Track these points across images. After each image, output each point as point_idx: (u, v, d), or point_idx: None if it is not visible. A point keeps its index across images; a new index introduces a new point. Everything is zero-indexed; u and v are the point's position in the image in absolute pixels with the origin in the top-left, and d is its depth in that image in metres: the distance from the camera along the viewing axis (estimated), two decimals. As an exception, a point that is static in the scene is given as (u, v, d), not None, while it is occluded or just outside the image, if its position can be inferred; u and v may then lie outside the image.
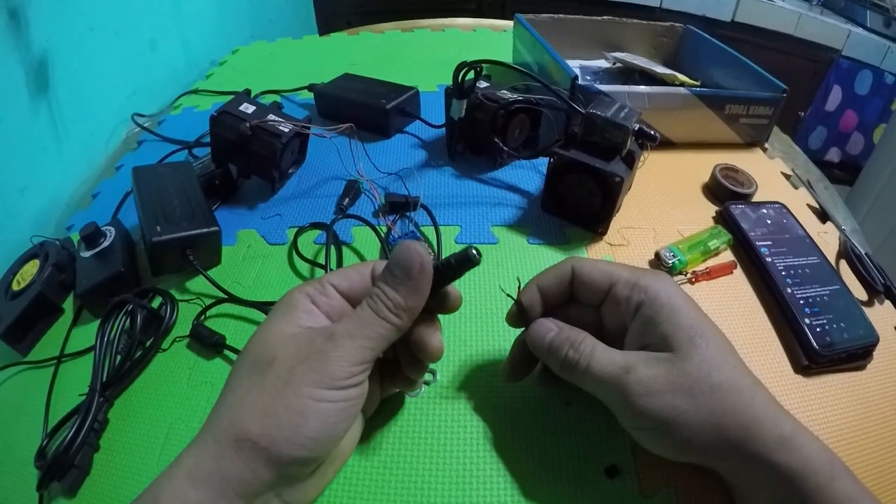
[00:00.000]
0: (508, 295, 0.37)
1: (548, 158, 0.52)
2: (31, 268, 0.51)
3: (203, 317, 0.47)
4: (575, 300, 0.37)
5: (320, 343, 0.30)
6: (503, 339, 0.44)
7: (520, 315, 0.37)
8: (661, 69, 0.77)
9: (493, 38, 1.06)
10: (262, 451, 0.27)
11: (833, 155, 1.90)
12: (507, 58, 0.88)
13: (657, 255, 0.50)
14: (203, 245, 0.50)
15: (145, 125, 0.79)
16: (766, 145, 0.70)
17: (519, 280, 0.37)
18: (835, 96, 1.85)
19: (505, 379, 0.39)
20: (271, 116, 0.58)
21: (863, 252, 0.53)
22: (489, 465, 0.36)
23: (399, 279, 0.31)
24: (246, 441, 0.27)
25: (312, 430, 0.28)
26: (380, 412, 0.39)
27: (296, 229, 0.56)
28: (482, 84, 0.62)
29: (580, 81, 0.61)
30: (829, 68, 1.81)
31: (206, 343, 0.44)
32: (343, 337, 0.30)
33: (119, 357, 0.42)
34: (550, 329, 0.35)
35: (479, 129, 0.60)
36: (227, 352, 0.44)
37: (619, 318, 0.35)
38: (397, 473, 0.36)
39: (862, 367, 0.43)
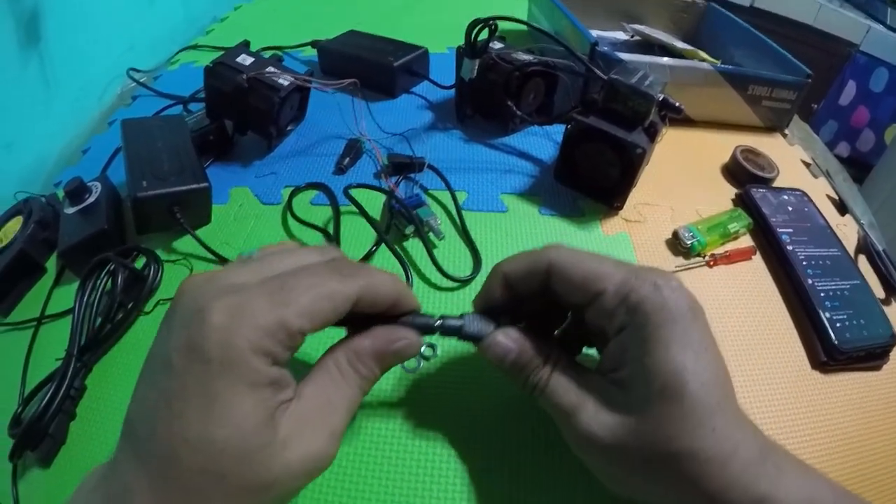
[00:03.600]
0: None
1: (563, 125, 0.49)
2: (15, 225, 0.48)
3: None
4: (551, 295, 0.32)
5: (326, 445, 0.25)
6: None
7: (468, 337, 0.32)
8: (681, 44, 0.73)
9: (509, 2, 1.02)
10: None
11: (842, 150, 1.88)
12: (523, 23, 0.84)
13: (675, 234, 0.48)
14: (191, 202, 0.47)
15: (141, 80, 0.76)
16: (787, 131, 0.68)
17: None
18: (849, 91, 1.82)
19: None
20: (270, 69, 0.55)
21: (881, 248, 0.51)
22: (489, 446, 0.34)
23: (389, 367, 0.30)
24: None
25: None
26: (374, 388, 0.36)
27: (291, 189, 0.53)
28: (496, 45, 0.59)
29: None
30: (845, 62, 1.78)
31: None
32: (341, 428, 0.27)
33: (99, 320, 0.40)
34: (508, 350, 0.30)
35: (492, 91, 0.57)
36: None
37: (602, 328, 0.29)
38: (390, 455, 0.34)
39: (878, 368, 0.42)
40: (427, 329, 0.30)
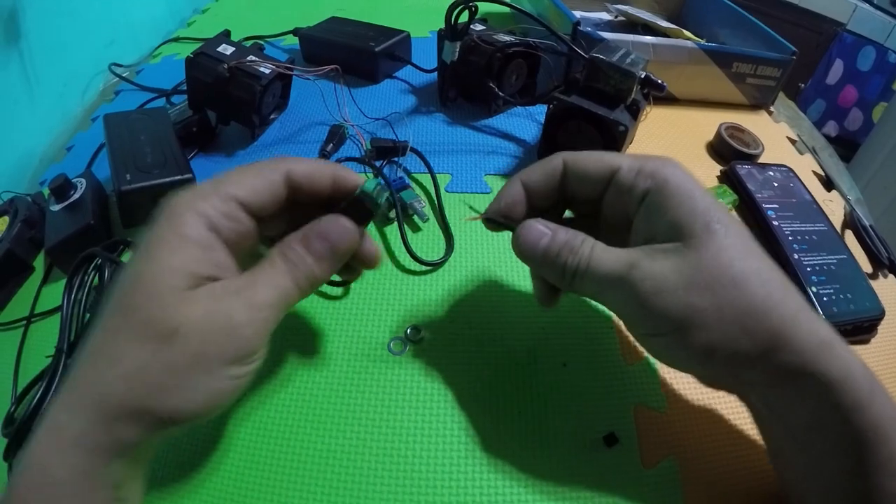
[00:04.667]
0: (471, 208, 0.35)
1: (546, 106, 0.49)
2: (0, 225, 0.47)
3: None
4: (567, 200, 0.33)
5: (236, 313, 0.25)
6: (494, 293, 0.42)
7: (499, 221, 0.33)
8: (665, 23, 0.73)
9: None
10: (163, 422, 0.24)
11: (830, 129, 1.89)
12: (505, 7, 0.84)
13: (659, 211, 0.47)
14: None
15: (123, 75, 0.75)
16: (772, 109, 0.68)
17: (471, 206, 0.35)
18: (836, 70, 1.83)
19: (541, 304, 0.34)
20: (251, 58, 0.54)
21: (868, 224, 0.51)
22: (478, 429, 0.34)
23: (325, 258, 0.29)
24: (146, 414, 0.24)
25: (219, 403, 0.26)
26: (361, 372, 0.37)
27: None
28: (477, 26, 0.58)
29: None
30: (832, 41, 1.79)
31: None
32: (260, 308, 0.26)
33: (88, 315, 0.39)
34: (543, 234, 0.30)
35: (474, 73, 0.56)
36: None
37: (622, 212, 0.30)
38: (379, 438, 0.34)
39: (866, 342, 0.42)
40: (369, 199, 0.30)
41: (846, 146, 1.67)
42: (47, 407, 0.33)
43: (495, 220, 0.33)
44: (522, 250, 0.31)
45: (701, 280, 0.26)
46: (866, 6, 1.74)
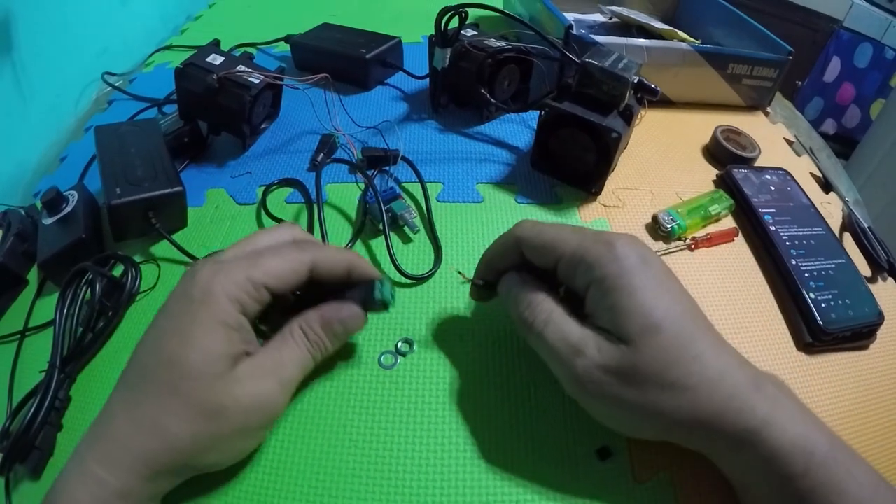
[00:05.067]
0: (460, 273, 0.40)
1: (538, 112, 0.48)
2: None
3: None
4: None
5: (273, 392, 0.30)
6: (485, 305, 0.41)
7: (481, 292, 0.38)
8: (660, 25, 0.72)
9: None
10: (194, 473, 0.30)
11: (829, 127, 1.88)
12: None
13: (655, 218, 0.47)
14: (166, 207, 0.46)
15: (116, 84, 0.75)
16: (769, 109, 0.67)
17: (460, 272, 0.40)
18: (833, 68, 1.82)
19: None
20: (241, 67, 0.54)
21: (866, 226, 0.50)
22: (470, 443, 0.34)
23: (339, 339, 0.34)
24: (185, 469, 0.29)
25: (248, 452, 0.32)
26: (351, 387, 0.36)
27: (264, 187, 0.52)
28: (469, 32, 0.57)
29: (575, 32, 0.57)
30: (829, 39, 1.78)
31: None
32: (288, 383, 0.31)
33: (80, 329, 0.39)
34: (514, 283, 0.34)
35: (465, 79, 0.56)
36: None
37: (574, 288, 0.32)
38: (370, 454, 0.33)
39: (864, 347, 0.42)
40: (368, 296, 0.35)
41: (844, 143, 1.67)
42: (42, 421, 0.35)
43: (480, 291, 0.38)
44: (499, 291, 0.35)
45: (635, 382, 0.28)
46: (863, 3, 1.73)
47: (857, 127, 1.82)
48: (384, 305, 0.35)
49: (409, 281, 0.43)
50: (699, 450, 0.29)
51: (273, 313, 0.34)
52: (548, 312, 0.31)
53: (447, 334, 0.39)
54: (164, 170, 0.47)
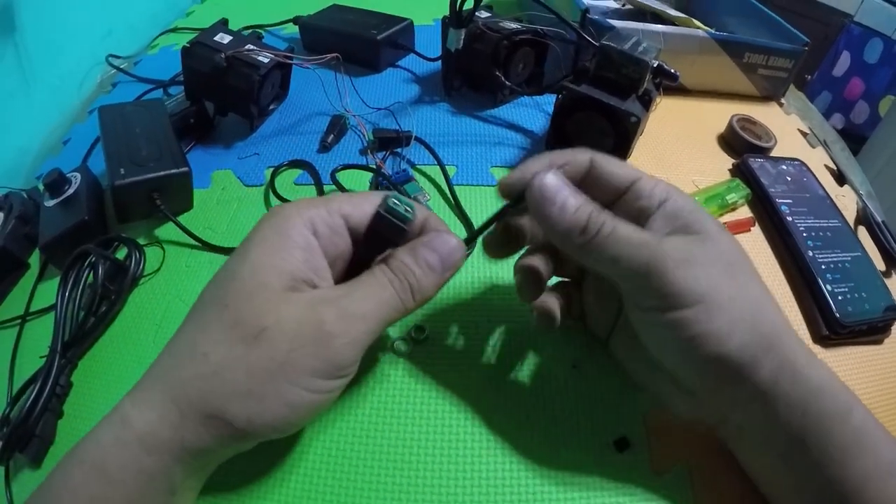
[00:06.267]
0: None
1: (554, 95, 0.48)
2: None
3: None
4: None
5: (329, 321, 0.25)
6: (499, 292, 0.41)
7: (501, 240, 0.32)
8: (674, 12, 0.71)
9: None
10: (237, 431, 0.23)
11: (836, 121, 1.87)
12: (511, -5, 0.83)
13: (671, 206, 0.46)
14: (171, 188, 0.46)
15: (121, 67, 0.74)
16: (783, 101, 0.66)
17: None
18: (843, 62, 1.81)
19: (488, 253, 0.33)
20: (249, 46, 0.53)
21: (881, 220, 0.50)
22: (485, 432, 0.33)
23: (433, 269, 0.28)
24: (220, 420, 0.23)
25: (299, 419, 0.25)
26: (362, 374, 0.36)
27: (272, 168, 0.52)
28: (483, 14, 0.57)
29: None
30: (839, 33, 1.77)
31: None
32: (356, 319, 0.25)
33: (82, 314, 0.38)
34: (553, 182, 0.27)
35: (479, 61, 0.55)
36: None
37: (636, 215, 0.29)
38: (382, 443, 0.33)
39: (880, 342, 0.41)
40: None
41: (852, 139, 1.64)
42: (42, 408, 0.33)
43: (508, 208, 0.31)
44: (540, 196, 0.27)
45: (723, 264, 0.26)
46: (874, -3, 1.72)
47: (865, 123, 1.81)
48: (402, 223, 0.29)
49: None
50: (737, 399, 0.26)
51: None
52: (607, 215, 0.27)
53: (461, 321, 0.39)
54: (169, 150, 0.47)
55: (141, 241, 0.45)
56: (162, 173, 0.44)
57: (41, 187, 0.48)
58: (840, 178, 0.56)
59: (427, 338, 0.38)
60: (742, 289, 0.26)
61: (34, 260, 0.47)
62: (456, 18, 0.53)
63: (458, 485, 0.31)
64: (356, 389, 0.35)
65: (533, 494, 0.31)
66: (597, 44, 0.46)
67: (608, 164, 0.30)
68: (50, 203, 0.45)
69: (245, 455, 0.27)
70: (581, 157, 0.30)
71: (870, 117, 1.80)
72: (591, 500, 0.30)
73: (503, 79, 0.55)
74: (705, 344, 0.25)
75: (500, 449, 0.32)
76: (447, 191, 0.48)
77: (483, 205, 0.48)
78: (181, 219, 0.46)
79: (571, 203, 0.27)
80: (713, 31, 0.63)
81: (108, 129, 0.48)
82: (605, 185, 0.30)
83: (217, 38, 0.54)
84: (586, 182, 0.30)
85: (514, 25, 0.55)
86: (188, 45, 0.53)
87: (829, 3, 1.75)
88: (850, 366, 0.39)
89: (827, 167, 0.57)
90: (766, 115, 0.61)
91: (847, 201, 0.53)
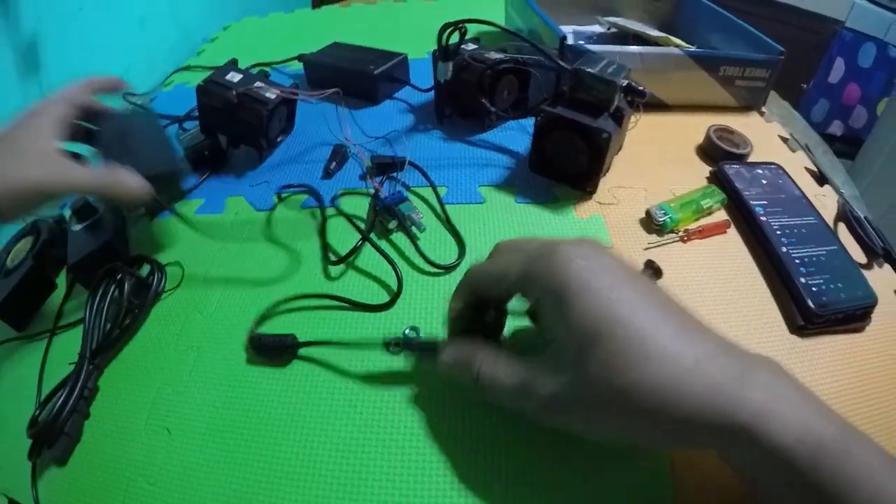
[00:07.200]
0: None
1: (535, 118, 0.51)
2: (24, 245, 0.51)
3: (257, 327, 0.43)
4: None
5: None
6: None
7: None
8: (654, 32, 0.75)
9: (487, 6, 1.02)
10: None
11: (836, 128, 1.87)
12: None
13: (648, 213, 0.49)
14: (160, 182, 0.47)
15: (137, 103, 0.78)
16: (764, 110, 0.68)
17: None
18: (838, 69, 1.81)
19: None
20: (258, 84, 0.57)
21: (862, 216, 0.52)
22: (478, 430, 0.35)
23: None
24: None
25: None
26: (353, 375, 0.38)
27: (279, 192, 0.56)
28: (470, 46, 0.61)
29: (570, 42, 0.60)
30: (832, 40, 1.78)
31: (275, 350, 0.41)
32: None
33: (109, 325, 0.42)
34: (451, 354, 0.33)
35: (467, 90, 0.59)
36: (300, 350, 0.41)
37: (532, 311, 0.33)
38: (376, 433, 0.35)
39: (860, 330, 0.42)
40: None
41: (852, 144, 1.65)
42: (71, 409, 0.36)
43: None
44: (442, 372, 0.33)
45: (588, 396, 0.26)
46: (864, 2, 1.73)
47: (864, 127, 1.81)
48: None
49: (433, 269, 0.46)
50: (704, 450, 0.27)
51: None
52: (491, 365, 0.30)
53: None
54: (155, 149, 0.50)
55: (162, 261, 0.49)
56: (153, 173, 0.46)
57: (67, 214, 0.52)
58: (821, 180, 0.58)
59: (420, 338, 0.39)
60: (616, 412, 0.26)
61: (61, 281, 0.50)
62: (443, 52, 0.57)
63: (454, 482, 0.33)
64: (350, 388, 0.38)
65: (529, 490, 0.32)
66: (569, 67, 0.49)
67: (480, 281, 0.34)
68: (77, 227, 0.50)
69: (245, 455, 0.31)
70: (463, 287, 0.35)
71: (868, 121, 1.80)
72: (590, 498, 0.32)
73: (489, 105, 0.58)
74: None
75: (494, 446, 0.34)
76: (439, 209, 0.52)
77: (471, 221, 0.51)
78: (195, 242, 0.50)
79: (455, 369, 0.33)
80: (688, 48, 0.66)
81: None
82: (493, 296, 0.34)
83: (228, 76, 0.58)
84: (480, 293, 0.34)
85: (498, 55, 0.58)
86: (202, 84, 0.57)
87: (819, 11, 1.75)
88: (829, 355, 0.40)
89: (808, 169, 0.58)
90: (746, 124, 0.63)
91: (827, 200, 0.54)
